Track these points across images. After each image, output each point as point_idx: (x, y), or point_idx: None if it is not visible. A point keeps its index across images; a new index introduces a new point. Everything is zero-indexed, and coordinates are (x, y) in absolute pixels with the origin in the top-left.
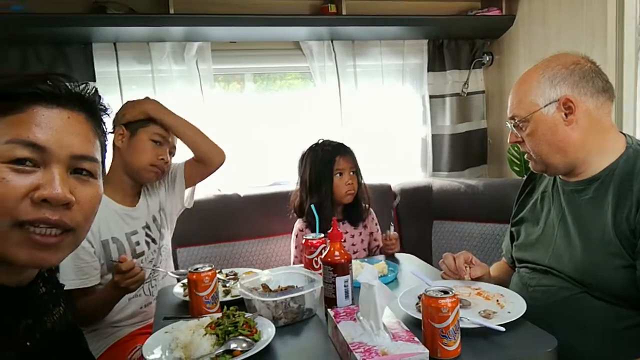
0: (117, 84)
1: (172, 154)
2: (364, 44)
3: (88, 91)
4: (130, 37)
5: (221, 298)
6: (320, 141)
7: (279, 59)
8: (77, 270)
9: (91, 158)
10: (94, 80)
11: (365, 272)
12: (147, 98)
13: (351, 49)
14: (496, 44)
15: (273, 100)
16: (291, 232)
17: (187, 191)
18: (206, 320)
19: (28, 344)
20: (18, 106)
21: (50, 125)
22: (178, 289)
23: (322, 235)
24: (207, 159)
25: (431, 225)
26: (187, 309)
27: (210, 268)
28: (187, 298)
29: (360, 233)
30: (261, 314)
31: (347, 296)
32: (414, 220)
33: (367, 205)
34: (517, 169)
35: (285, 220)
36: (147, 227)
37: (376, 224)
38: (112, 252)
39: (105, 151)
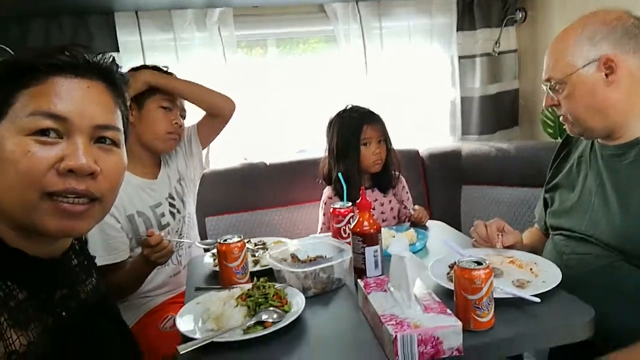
0: (140, 53)
1: (183, 116)
2: (389, 4)
3: (106, 60)
4: (152, 4)
5: (250, 268)
6: (348, 107)
7: (302, 22)
8: (106, 247)
9: (113, 127)
10: (117, 50)
11: (396, 242)
12: (142, 66)
13: (377, 9)
14: None
15: (296, 65)
16: (318, 200)
17: (202, 152)
18: (237, 291)
19: (64, 314)
20: (38, 77)
21: (71, 95)
22: (208, 259)
23: (350, 203)
24: (218, 111)
25: (460, 191)
26: (217, 280)
27: (239, 239)
28: (217, 268)
29: (390, 201)
30: (291, 285)
31: (376, 266)
32: (443, 185)
33: (397, 173)
34: (550, 131)
35: (313, 187)
36: (170, 197)
37: (407, 192)
38: (138, 226)
39: (127, 120)
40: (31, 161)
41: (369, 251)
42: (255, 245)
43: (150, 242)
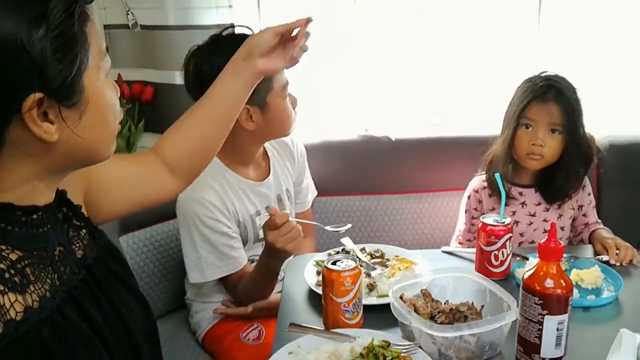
0: None
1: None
2: None
3: None
4: None
5: (364, 297)
6: (541, 74)
7: None
8: (220, 255)
9: None
10: None
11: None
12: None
13: None
14: None
15: (433, 10)
16: (453, 190)
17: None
18: (344, 348)
19: (67, 271)
20: None
21: None
22: (310, 275)
23: (509, 220)
24: None
25: None
26: (319, 308)
27: (354, 265)
28: (318, 290)
29: (561, 216)
30: (420, 347)
31: (558, 344)
32: (623, 188)
33: (579, 181)
34: None
35: (449, 172)
36: (279, 199)
37: (589, 194)
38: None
39: None
40: (116, 100)
41: (551, 322)
42: (372, 256)
43: (276, 221)
